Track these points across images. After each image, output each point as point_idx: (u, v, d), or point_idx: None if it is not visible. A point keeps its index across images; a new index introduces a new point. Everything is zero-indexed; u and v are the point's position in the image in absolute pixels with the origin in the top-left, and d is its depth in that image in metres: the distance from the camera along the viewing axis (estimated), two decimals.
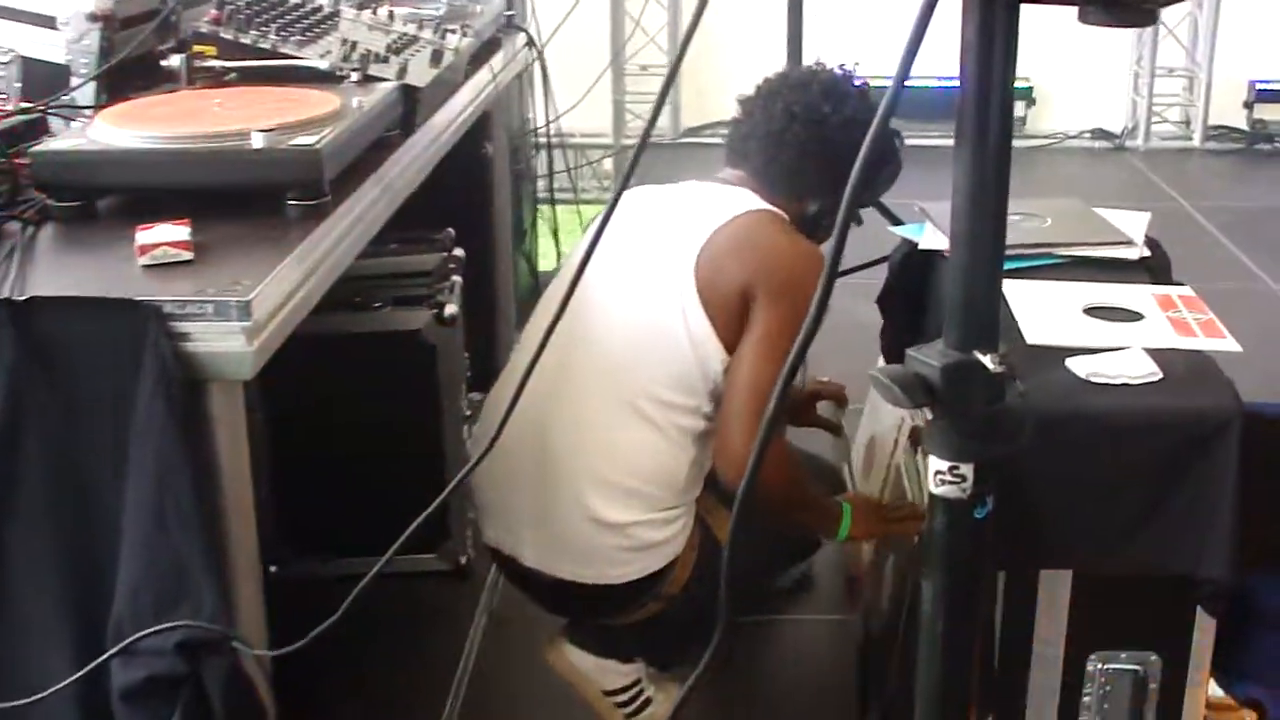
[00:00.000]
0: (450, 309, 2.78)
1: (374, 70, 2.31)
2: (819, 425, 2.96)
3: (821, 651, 2.87)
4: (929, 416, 1.22)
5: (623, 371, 2.25)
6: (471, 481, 2.43)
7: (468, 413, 2.89)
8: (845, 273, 3.45)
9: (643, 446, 2.26)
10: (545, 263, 4.30)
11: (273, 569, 2.83)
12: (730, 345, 2.23)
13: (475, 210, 3.42)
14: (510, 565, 2.41)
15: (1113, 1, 0.93)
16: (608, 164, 6.33)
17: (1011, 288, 2.29)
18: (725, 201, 2.33)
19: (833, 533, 2.42)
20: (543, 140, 4.11)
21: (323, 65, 2.30)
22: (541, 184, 4.21)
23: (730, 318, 2.23)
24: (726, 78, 5.70)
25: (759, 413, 2.15)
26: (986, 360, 1.19)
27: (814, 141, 2.37)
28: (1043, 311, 2.21)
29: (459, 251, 2.96)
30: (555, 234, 4.29)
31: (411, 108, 2.33)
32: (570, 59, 4.57)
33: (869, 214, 2.55)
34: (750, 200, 2.34)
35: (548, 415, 2.28)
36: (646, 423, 2.25)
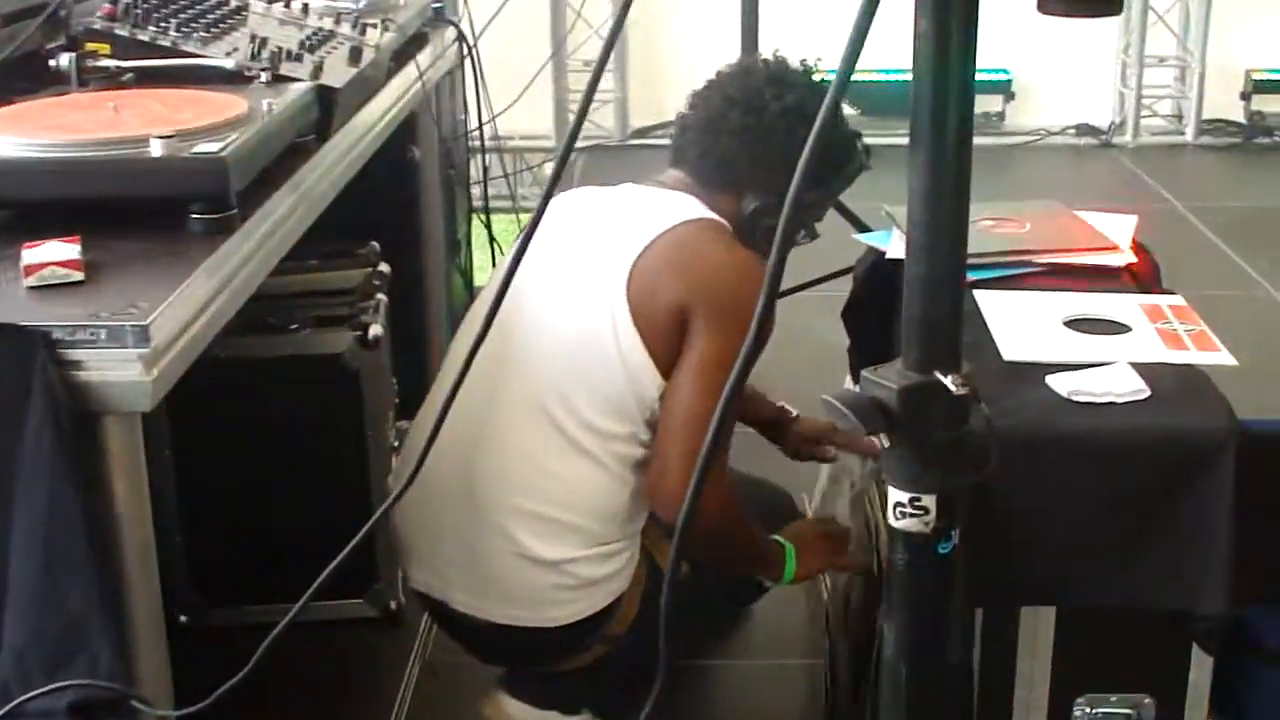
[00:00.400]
0: (375, 330, 2.77)
1: (286, 70, 2.30)
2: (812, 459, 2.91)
3: (784, 701, 2.87)
4: (887, 444, 1.23)
5: (552, 397, 2.25)
6: (394, 519, 2.43)
7: (395, 444, 2.88)
8: (807, 285, 3.48)
9: (578, 477, 2.26)
10: (481, 277, 4.29)
11: (182, 619, 2.82)
12: (666, 370, 2.23)
13: (402, 221, 3.41)
14: (440, 610, 2.40)
15: None
16: (549, 169, 6.34)
17: (986, 299, 2.30)
18: (661, 210, 2.32)
19: (777, 576, 2.44)
20: (477, 143, 4.09)
21: (229, 65, 2.29)
22: (476, 191, 4.19)
23: (665, 341, 2.22)
24: (679, 74, 5.73)
25: (697, 445, 2.14)
26: (948, 381, 1.20)
27: (752, 131, 2.34)
28: (1020, 325, 2.22)
29: (384, 267, 2.96)
30: (492, 246, 4.27)
31: (328, 110, 2.33)
32: (506, 54, 4.57)
33: (833, 221, 2.56)
34: (688, 207, 2.33)
35: (473, 445, 2.28)
36: (580, 452, 2.25)
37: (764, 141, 2.34)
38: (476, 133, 4.05)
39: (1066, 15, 0.97)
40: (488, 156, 4.18)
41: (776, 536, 2.45)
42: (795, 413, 2.81)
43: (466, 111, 4.01)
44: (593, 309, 2.25)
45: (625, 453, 2.27)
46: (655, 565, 2.36)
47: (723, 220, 2.34)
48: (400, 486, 1.70)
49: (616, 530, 2.29)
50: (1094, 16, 0.97)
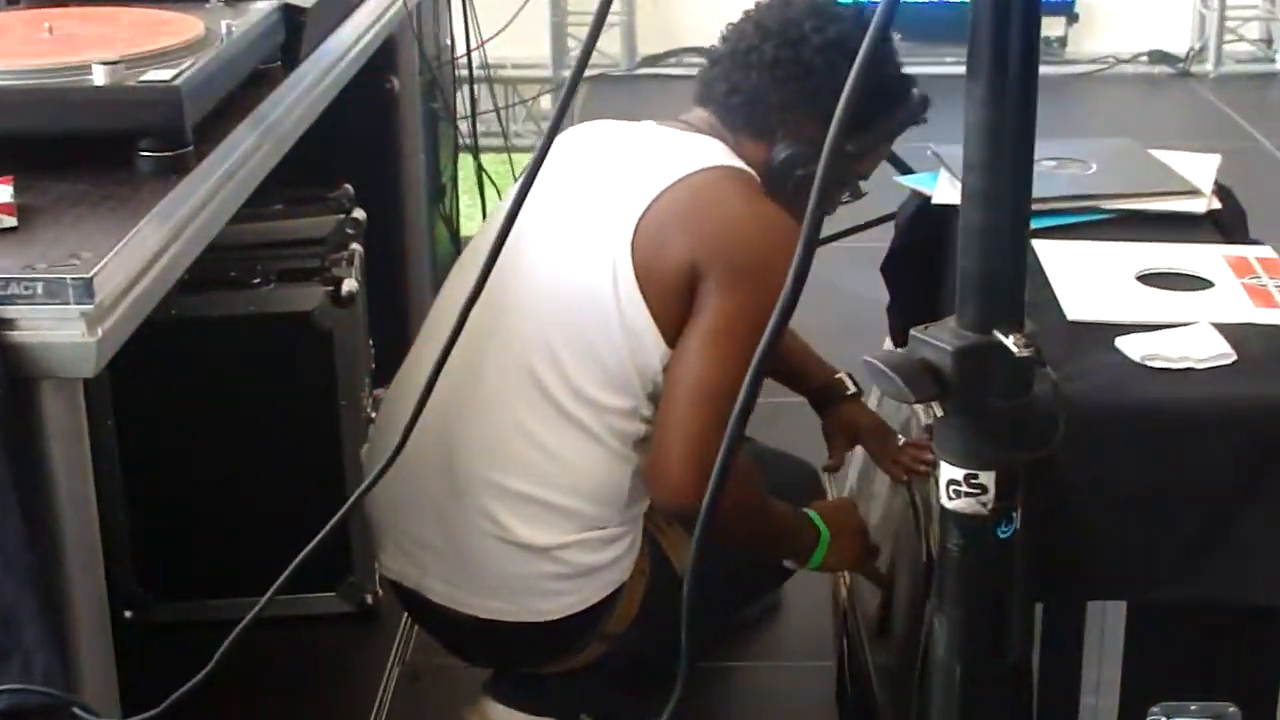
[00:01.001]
0: (349, 285, 2.78)
1: None
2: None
3: (800, 706, 2.88)
4: (939, 413, 1.22)
5: (542, 362, 2.25)
6: (367, 500, 2.43)
7: (372, 414, 2.89)
8: (840, 235, 3.47)
9: (571, 453, 2.26)
10: (469, 225, 4.30)
11: (127, 614, 2.83)
12: (672, 339, 2.23)
13: (379, 161, 3.41)
14: (415, 601, 2.42)
15: None
16: (546, 102, 6.32)
17: (1048, 251, 2.30)
18: (678, 154, 2.31)
19: (803, 559, 2.44)
20: (464, 73, 4.09)
21: None
22: (464, 127, 4.20)
23: (673, 304, 2.22)
24: None
25: (705, 424, 2.15)
26: (1009, 342, 1.20)
27: (787, 65, 2.33)
28: (1087, 280, 2.22)
29: (359, 213, 2.96)
30: (481, 190, 4.28)
31: (296, 33, 2.33)
32: None
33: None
34: (710, 152, 2.32)
35: (454, 414, 2.28)
36: (573, 424, 2.25)
37: (800, 80, 2.33)
38: (464, 61, 4.06)
39: None
40: (477, 88, 4.19)
41: (809, 511, 2.46)
42: (855, 389, 2.78)
43: (453, 37, 4.01)
44: (593, 264, 2.25)
45: (625, 428, 2.27)
46: (661, 554, 2.37)
47: (748, 169, 2.33)
48: (380, 465, 1.70)
49: (615, 514, 2.30)
50: None
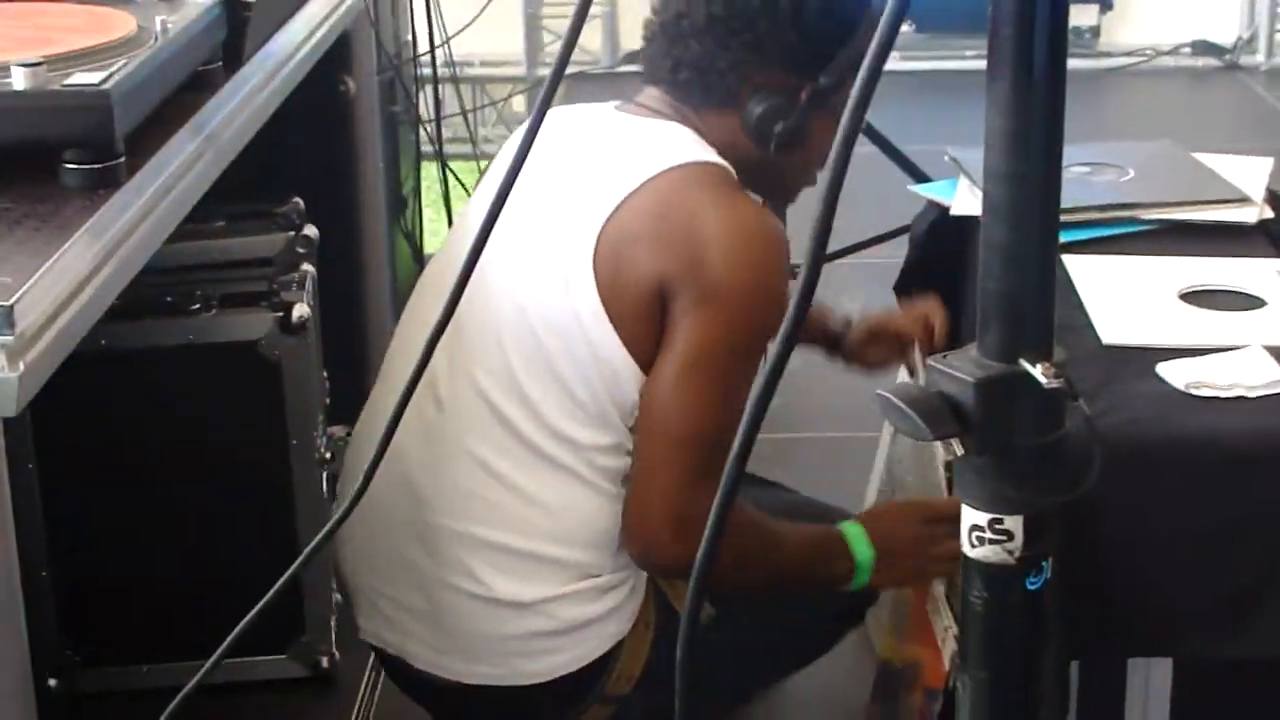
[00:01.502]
0: (300, 311, 2.77)
1: None
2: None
3: None
4: (960, 452, 1.23)
5: (509, 402, 2.24)
6: (336, 554, 2.43)
7: (328, 455, 2.88)
8: (849, 251, 3.50)
9: (552, 496, 2.25)
10: (434, 241, 4.30)
11: (51, 683, 2.82)
12: (647, 365, 2.21)
13: (333, 172, 3.42)
14: (399, 668, 2.41)
15: None
16: (519, 103, 6.33)
17: (1080, 267, 2.31)
18: (642, 150, 2.28)
19: (844, 581, 2.36)
20: (428, 72, 4.10)
21: None
22: (428, 132, 4.21)
23: (643, 327, 2.20)
24: None
25: (683, 472, 2.15)
26: (1037, 372, 1.20)
27: (723, 22, 2.26)
28: (1125, 299, 2.23)
29: (311, 230, 2.96)
30: (447, 202, 4.29)
31: (239, 30, 2.33)
32: None
33: (883, 169, 2.56)
34: (676, 143, 2.28)
35: (421, 465, 2.29)
36: (553, 466, 2.25)
37: (742, 32, 2.26)
38: (427, 58, 4.07)
39: None
40: (442, 88, 4.20)
41: (846, 525, 2.37)
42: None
43: (414, 31, 4.02)
44: (553, 284, 2.23)
45: (610, 464, 2.26)
46: (667, 602, 2.37)
47: (719, 163, 2.28)
48: (339, 513, 1.70)
49: (608, 559, 2.29)
50: None
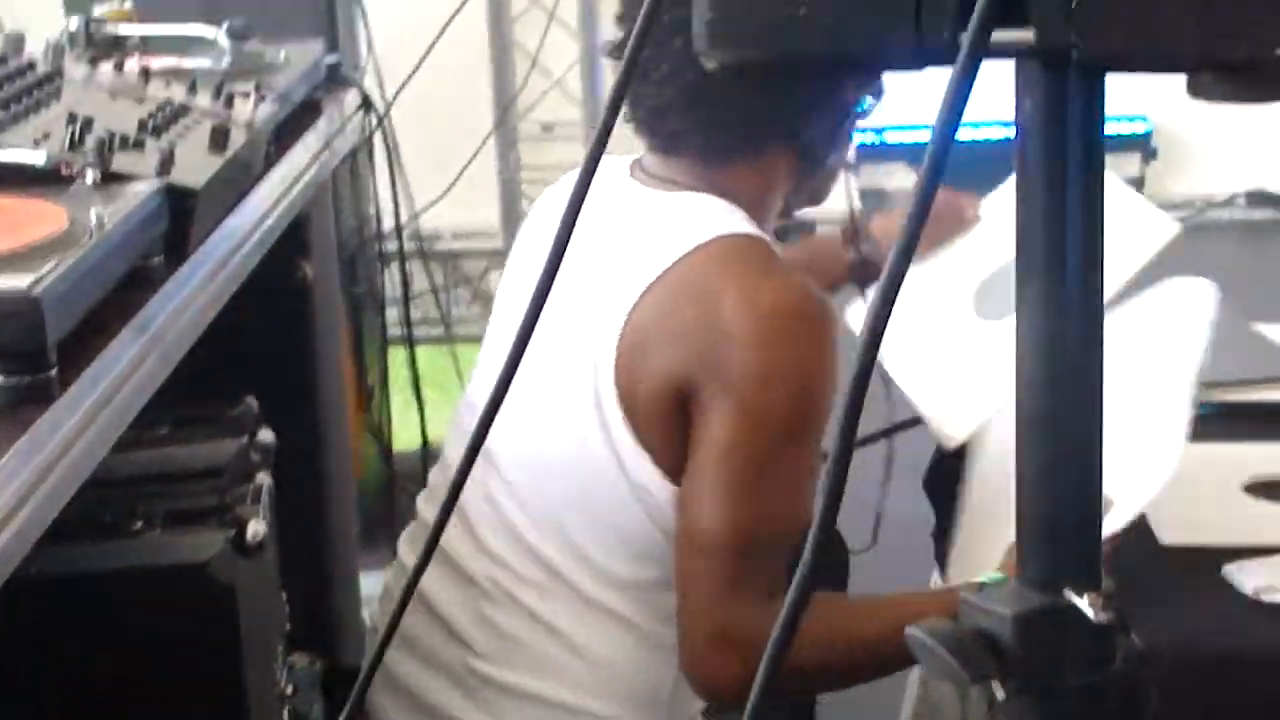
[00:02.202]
0: (255, 528, 2.76)
1: (121, 164, 2.32)
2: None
3: None
4: (1000, 695, 1.23)
5: (549, 540, 2.26)
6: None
7: (288, 689, 2.87)
8: (871, 439, 3.50)
9: (600, 647, 2.29)
10: (404, 436, 4.30)
11: None
12: (677, 477, 2.22)
13: (290, 366, 3.42)
14: None
15: (1241, 67, 0.96)
16: (494, 279, 6.35)
17: None
18: (661, 234, 2.29)
19: None
20: (394, 247, 4.14)
21: (37, 159, 2.31)
22: (394, 315, 4.23)
23: (668, 435, 2.22)
24: None
25: (723, 584, 2.14)
26: (1084, 604, 1.21)
27: (673, 78, 2.25)
28: (1183, 494, 2.22)
29: (266, 435, 2.96)
30: (418, 391, 4.29)
31: (183, 220, 2.34)
32: (432, 122, 4.63)
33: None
34: (703, 219, 2.28)
35: (458, 601, 2.36)
36: (600, 611, 2.28)
37: (695, 86, 2.25)
38: (393, 234, 4.10)
39: (1227, 101, 0.99)
40: (409, 265, 4.22)
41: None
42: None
43: (378, 206, 4.06)
44: (577, 409, 2.25)
45: (659, 602, 2.28)
46: None
47: (751, 232, 2.28)
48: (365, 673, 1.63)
49: (662, 717, 2.30)
50: (1263, 101, 1.00)
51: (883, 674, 2.29)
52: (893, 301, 1.00)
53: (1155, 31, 0.97)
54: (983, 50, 0.94)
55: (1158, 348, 2.32)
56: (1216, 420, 2.45)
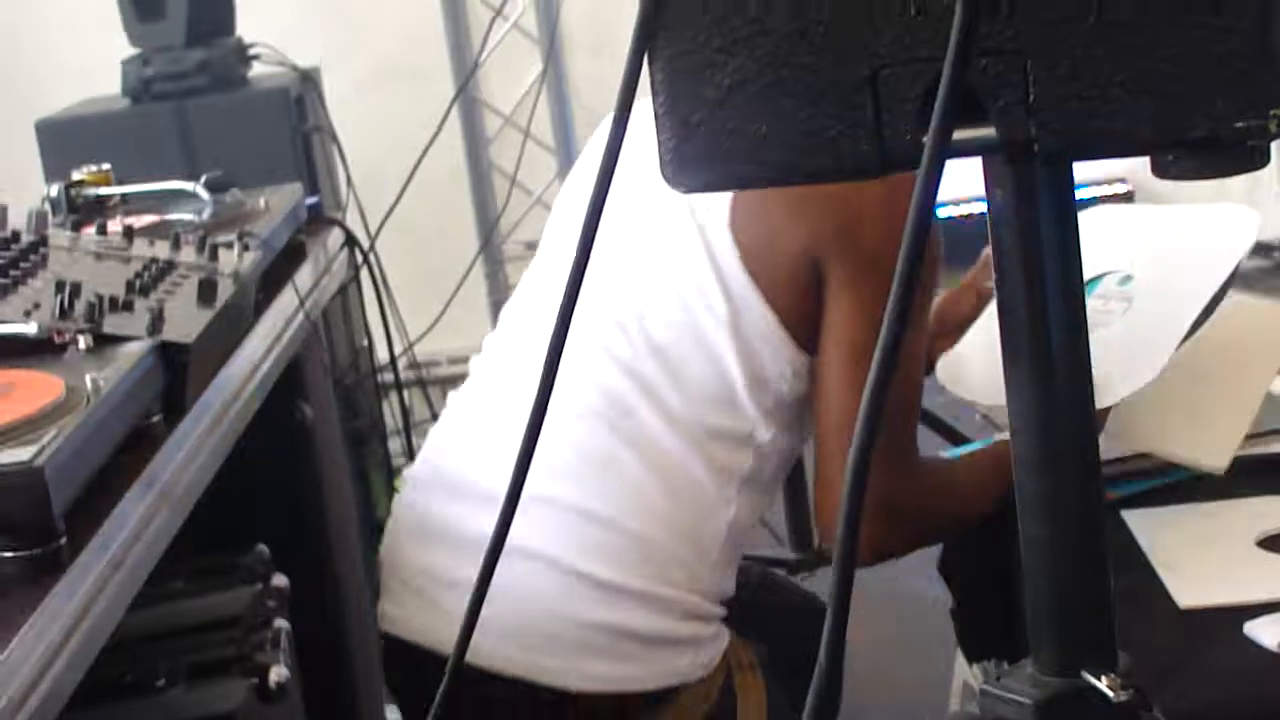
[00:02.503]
0: (278, 673, 2.76)
1: (112, 326, 2.33)
2: None
3: None
4: None
5: (636, 396, 2.30)
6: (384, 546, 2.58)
7: None
8: None
9: (658, 481, 2.30)
10: None
11: None
12: (804, 340, 2.26)
13: (297, 506, 3.42)
14: (412, 658, 2.49)
15: (1206, 143, 0.96)
16: None
17: (1143, 523, 2.30)
18: None
19: None
20: (390, 376, 4.14)
21: (28, 328, 2.32)
22: (397, 445, 4.23)
23: (796, 299, 2.25)
24: None
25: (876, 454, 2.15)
26: (1102, 685, 1.21)
27: None
28: (1197, 553, 2.22)
29: (280, 579, 2.96)
30: None
31: (179, 376, 2.35)
32: (418, 248, 4.64)
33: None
34: None
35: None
36: (661, 453, 2.29)
37: None
38: (388, 364, 4.11)
39: (1194, 178, 1.00)
40: (407, 394, 4.23)
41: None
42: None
43: (370, 338, 4.07)
44: (688, 269, 2.28)
45: (729, 462, 2.31)
46: (732, 695, 2.40)
47: None
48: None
49: (702, 574, 2.32)
50: (1231, 175, 1.01)
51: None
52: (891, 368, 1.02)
53: (1113, 117, 0.98)
54: (946, 151, 0.94)
55: (1187, 259, 2.38)
56: (1226, 475, 2.44)
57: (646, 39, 1.02)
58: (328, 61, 4.46)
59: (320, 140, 4.16)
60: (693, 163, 1.05)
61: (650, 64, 1.03)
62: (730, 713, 2.38)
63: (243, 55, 4.23)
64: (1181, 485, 2.43)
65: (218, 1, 4.25)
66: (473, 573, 2.21)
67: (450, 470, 2.49)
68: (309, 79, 4.23)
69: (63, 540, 1.93)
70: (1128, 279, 2.31)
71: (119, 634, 2.11)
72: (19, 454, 1.92)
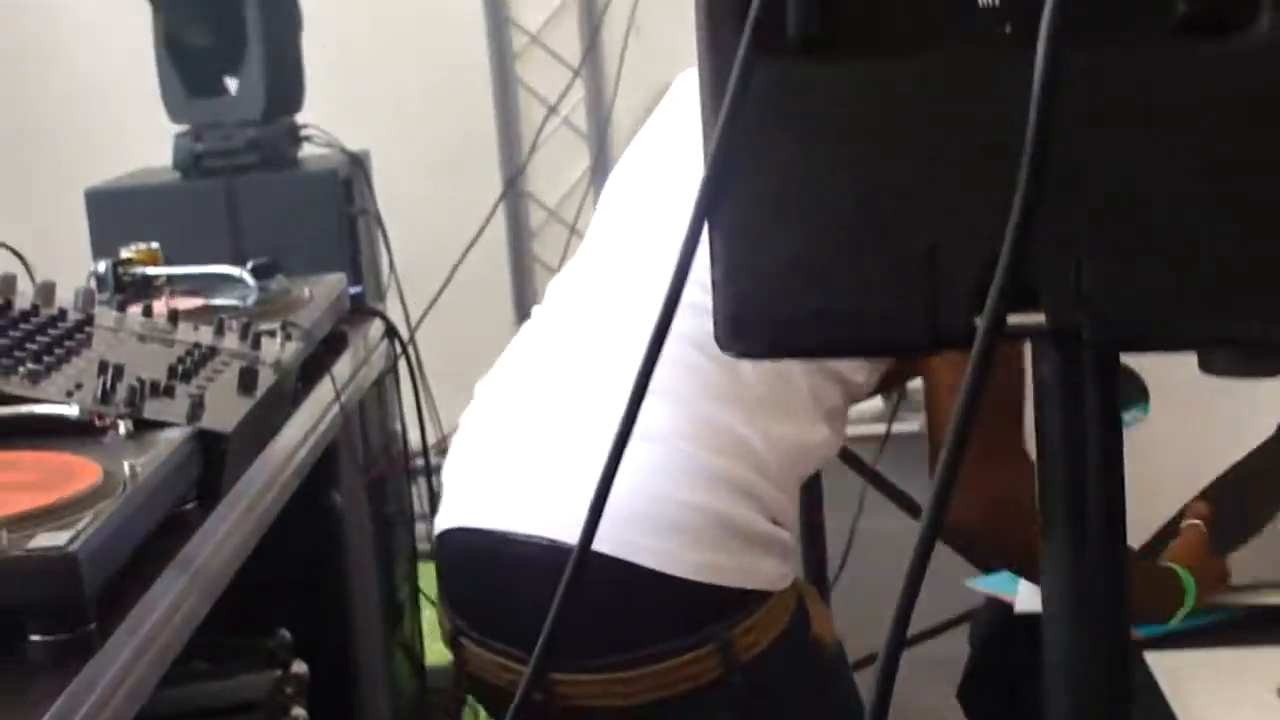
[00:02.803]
0: None
1: (152, 411, 2.34)
2: None
3: None
4: None
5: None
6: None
7: None
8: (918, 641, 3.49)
9: (756, 384, 2.38)
10: (435, 647, 4.28)
11: None
12: None
13: (321, 592, 3.42)
14: (478, 554, 2.58)
15: (1256, 343, 0.97)
16: None
17: (1166, 666, 2.30)
18: None
19: (1168, 612, 2.44)
20: (420, 463, 4.14)
21: (70, 410, 2.33)
22: (422, 529, 4.23)
23: None
24: None
25: (991, 450, 2.18)
26: None
27: None
28: (1218, 700, 2.22)
29: (300, 666, 2.96)
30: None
31: (215, 464, 2.36)
32: (455, 334, 4.65)
33: (937, 559, 2.58)
34: None
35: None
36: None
37: None
38: (419, 450, 4.11)
39: (1240, 375, 1.01)
40: (436, 480, 4.22)
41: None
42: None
43: (404, 428, 4.07)
44: None
45: (823, 389, 2.41)
46: (804, 611, 2.47)
47: None
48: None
49: (789, 482, 2.41)
50: (1276, 374, 1.02)
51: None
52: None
53: (1166, 312, 0.99)
54: (997, 335, 0.95)
55: None
56: (1245, 624, 2.45)
57: (709, 208, 1.03)
58: (378, 148, 4.48)
59: (366, 224, 4.18)
60: (747, 331, 1.06)
61: (710, 231, 1.05)
62: (804, 629, 2.45)
63: (294, 136, 4.27)
64: (1203, 630, 2.43)
65: (290, 81, 4.28)
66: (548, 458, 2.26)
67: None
68: (358, 162, 4.26)
69: (93, 625, 1.93)
70: None
71: (140, 714, 2.11)
72: (55, 539, 1.92)
